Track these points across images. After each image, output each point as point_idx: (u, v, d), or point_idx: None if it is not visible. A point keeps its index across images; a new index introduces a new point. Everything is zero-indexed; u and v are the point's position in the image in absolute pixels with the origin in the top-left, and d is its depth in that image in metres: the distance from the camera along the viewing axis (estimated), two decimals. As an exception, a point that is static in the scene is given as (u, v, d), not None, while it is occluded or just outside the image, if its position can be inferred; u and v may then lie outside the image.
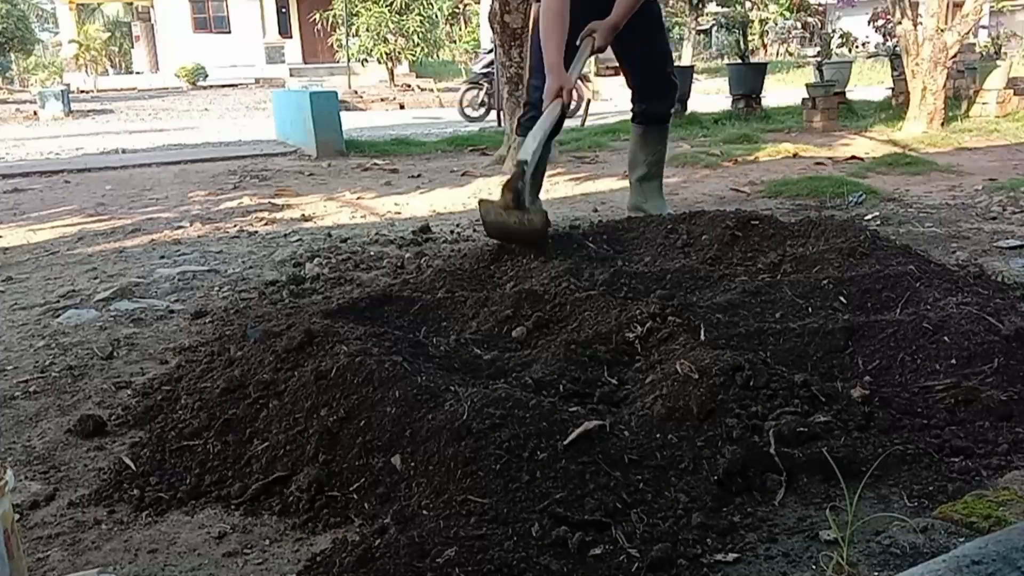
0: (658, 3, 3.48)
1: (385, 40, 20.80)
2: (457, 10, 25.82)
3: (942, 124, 7.25)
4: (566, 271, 2.30)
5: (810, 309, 2.01)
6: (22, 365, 2.22)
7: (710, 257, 2.54)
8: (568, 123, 10.22)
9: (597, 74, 18.97)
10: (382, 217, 4.35)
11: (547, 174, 5.67)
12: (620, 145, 7.56)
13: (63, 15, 26.27)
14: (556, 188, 5.17)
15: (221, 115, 16.26)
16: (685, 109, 9.39)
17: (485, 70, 11.87)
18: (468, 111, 12.09)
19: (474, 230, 3.86)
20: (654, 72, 3.46)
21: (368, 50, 21.06)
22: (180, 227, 4.26)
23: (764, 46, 24.72)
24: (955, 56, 7.30)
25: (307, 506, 1.39)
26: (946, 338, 1.73)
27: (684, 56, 18.03)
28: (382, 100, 18.45)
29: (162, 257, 3.56)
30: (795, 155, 6.08)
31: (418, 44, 21.14)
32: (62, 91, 16.96)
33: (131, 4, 29.12)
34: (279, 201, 5.04)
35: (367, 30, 20.73)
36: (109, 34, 27.83)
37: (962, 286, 2.10)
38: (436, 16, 21.89)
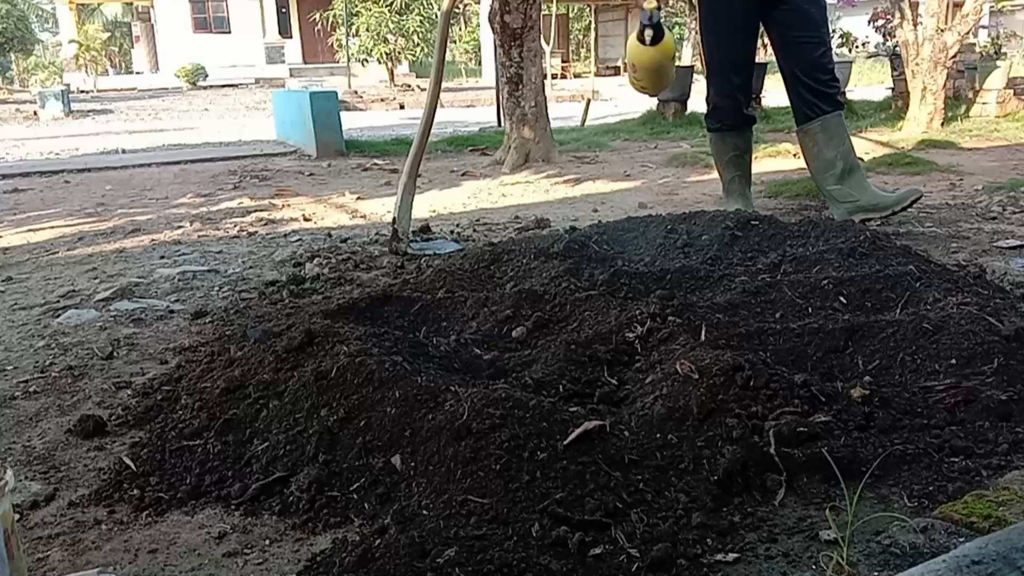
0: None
1: (385, 40, 20.82)
2: (457, 10, 25.81)
3: (942, 124, 7.25)
4: (566, 271, 2.30)
5: (810, 309, 2.01)
6: (22, 365, 2.22)
7: (710, 257, 2.54)
8: (567, 123, 10.19)
9: (597, 74, 18.96)
10: (382, 217, 4.35)
11: (547, 175, 5.70)
12: (620, 145, 7.57)
13: (63, 15, 26.28)
14: (556, 188, 5.18)
15: (221, 115, 16.25)
16: (685, 109, 9.39)
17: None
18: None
19: (474, 230, 3.86)
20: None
21: (368, 50, 21.09)
22: (180, 227, 4.26)
23: (764, 46, 24.70)
24: (955, 56, 7.30)
25: (307, 506, 1.39)
26: (946, 338, 1.72)
27: (684, 56, 18.03)
28: (382, 100, 18.45)
29: (162, 257, 3.56)
30: (795, 155, 6.08)
31: (418, 44, 21.16)
32: (62, 91, 16.95)
33: (131, 4, 29.15)
34: (279, 201, 5.04)
35: (367, 30, 20.76)
36: (109, 34, 27.84)
37: (962, 286, 2.10)
38: (436, 16, 21.89)
